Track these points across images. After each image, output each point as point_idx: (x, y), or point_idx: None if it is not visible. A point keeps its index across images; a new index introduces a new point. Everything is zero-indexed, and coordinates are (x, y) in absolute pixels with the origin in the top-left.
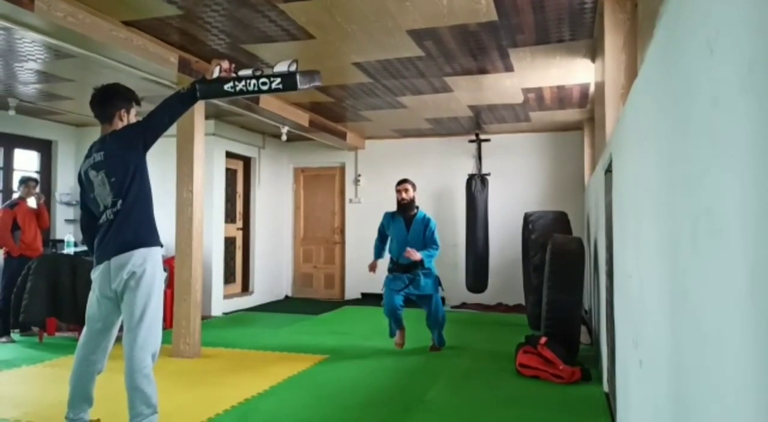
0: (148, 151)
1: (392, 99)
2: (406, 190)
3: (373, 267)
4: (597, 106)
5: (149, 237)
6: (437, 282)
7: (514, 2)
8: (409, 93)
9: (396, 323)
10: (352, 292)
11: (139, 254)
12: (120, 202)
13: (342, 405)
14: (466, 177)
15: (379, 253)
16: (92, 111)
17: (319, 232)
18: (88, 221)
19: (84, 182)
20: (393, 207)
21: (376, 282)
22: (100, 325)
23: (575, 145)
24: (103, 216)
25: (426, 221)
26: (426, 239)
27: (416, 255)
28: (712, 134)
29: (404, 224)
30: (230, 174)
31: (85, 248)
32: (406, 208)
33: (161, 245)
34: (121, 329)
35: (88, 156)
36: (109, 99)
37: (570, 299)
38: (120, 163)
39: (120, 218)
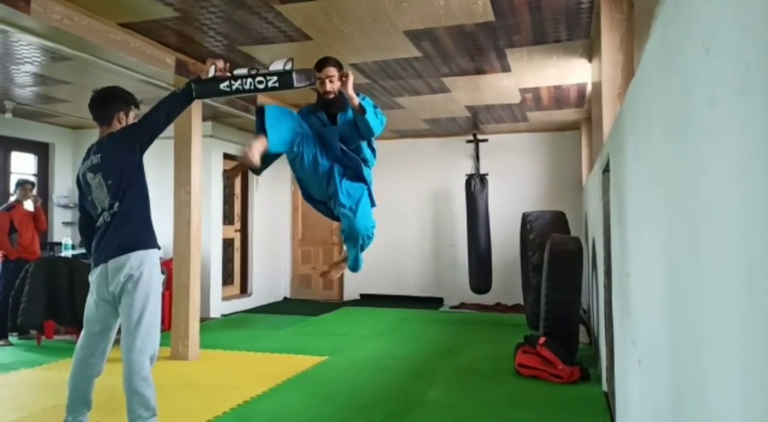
0: (144, 152)
1: (390, 100)
2: (331, 78)
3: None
4: (594, 106)
5: (147, 239)
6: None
7: (510, 3)
8: (406, 94)
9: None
10: (350, 293)
11: (136, 257)
12: (117, 204)
13: (342, 406)
14: (465, 178)
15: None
16: (91, 113)
17: (317, 233)
18: (86, 224)
19: (82, 184)
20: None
21: (375, 283)
22: (98, 328)
23: (573, 145)
24: (101, 218)
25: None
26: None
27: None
28: (709, 133)
29: (328, 118)
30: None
31: (82, 250)
32: (330, 104)
33: (159, 248)
34: (119, 332)
35: (86, 159)
36: (108, 102)
37: (568, 299)
38: (117, 165)
39: (117, 220)
